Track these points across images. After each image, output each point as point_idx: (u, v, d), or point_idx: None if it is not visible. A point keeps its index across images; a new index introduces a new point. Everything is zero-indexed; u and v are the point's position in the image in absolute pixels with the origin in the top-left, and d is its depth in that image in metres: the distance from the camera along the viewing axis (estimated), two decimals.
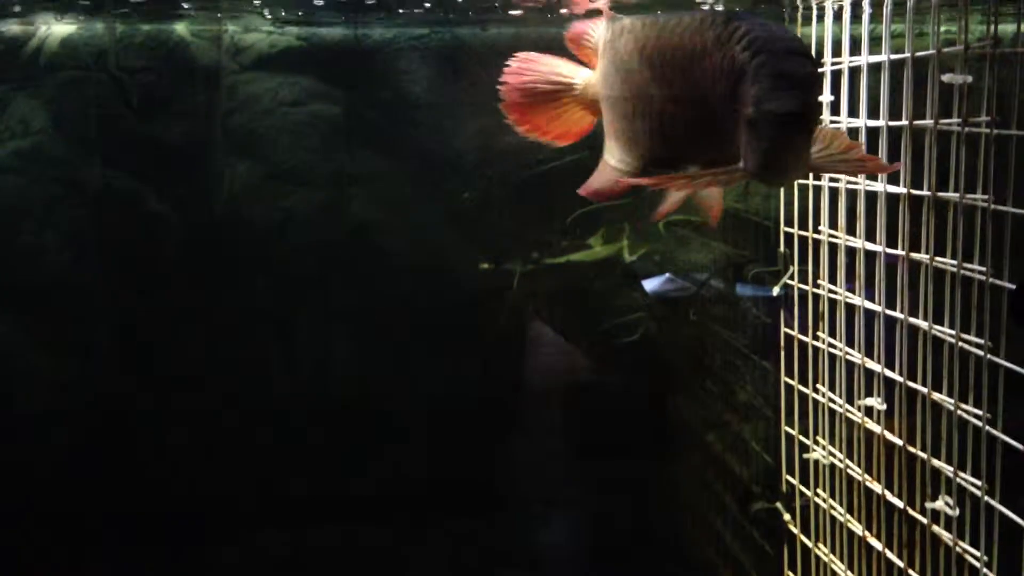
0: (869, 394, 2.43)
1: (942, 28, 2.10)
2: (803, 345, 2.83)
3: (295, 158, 3.76)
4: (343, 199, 3.78)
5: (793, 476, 2.98)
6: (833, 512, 2.69)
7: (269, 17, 3.53)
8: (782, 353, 3.02)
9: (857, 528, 2.52)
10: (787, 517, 3.06)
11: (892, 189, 2.27)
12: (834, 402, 2.65)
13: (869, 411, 2.43)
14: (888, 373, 2.32)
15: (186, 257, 3.73)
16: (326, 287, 3.80)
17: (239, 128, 3.76)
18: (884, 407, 2.35)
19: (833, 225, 2.59)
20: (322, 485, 3.81)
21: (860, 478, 2.49)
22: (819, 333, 2.72)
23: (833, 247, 2.61)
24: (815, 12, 2.65)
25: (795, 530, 2.97)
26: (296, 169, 3.77)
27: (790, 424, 3.00)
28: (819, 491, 2.79)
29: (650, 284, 3.83)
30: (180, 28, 3.67)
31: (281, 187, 3.77)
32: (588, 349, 3.92)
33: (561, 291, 3.87)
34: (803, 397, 2.86)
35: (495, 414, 3.90)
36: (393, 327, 3.83)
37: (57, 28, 3.63)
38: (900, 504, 2.30)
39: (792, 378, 2.93)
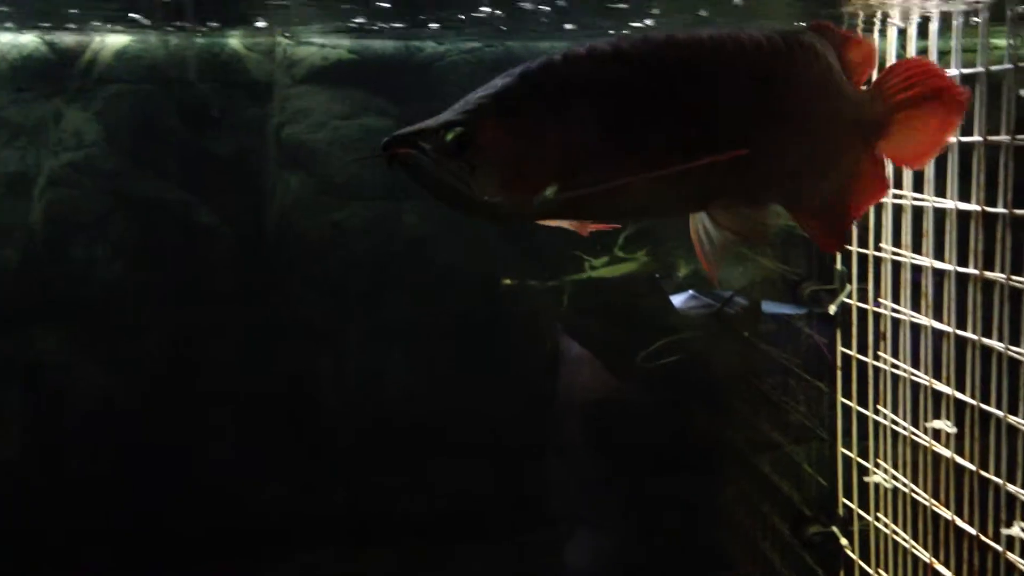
0: (936, 416, 2.37)
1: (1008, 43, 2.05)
2: (861, 365, 2.78)
3: (347, 171, 3.76)
4: (396, 212, 3.78)
5: (851, 499, 2.92)
6: (896, 537, 2.62)
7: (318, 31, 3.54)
8: (839, 373, 2.97)
9: (924, 555, 2.45)
10: (844, 542, 3.00)
11: (963, 206, 2.21)
12: (897, 424, 2.58)
13: (937, 434, 2.37)
14: (959, 395, 2.26)
15: (236, 270, 3.74)
16: (377, 301, 3.79)
17: (291, 141, 3.77)
18: (954, 430, 2.29)
19: (897, 242, 2.54)
20: (369, 500, 3.79)
21: (927, 503, 2.43)
22: (880, 353, 2.67)
23: (896, 265, 2.56)
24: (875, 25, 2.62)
25: (853, 555, 2.90)
26: (348, 182, 3.77)
27: (847, 446, 2.95)
28: (879, 515, 2.73)
29: (675, 300, 3.80)
30: (233, 41, 3.69)
31: (332, 200, 3.77)
32: (632, 367, 3.88)
33: (605, 307, 3.83)
34: (861, 418, 2.80)
35: (537, 432, 3.87)
36: (445, 342, 3.82)
37: (111, 40, 3.66)
38: (972, 531, 2.23)
39: (850, 399, 2.88)
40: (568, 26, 3.39)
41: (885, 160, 1.76)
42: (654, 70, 1.58)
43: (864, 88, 1.75)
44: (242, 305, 3.73)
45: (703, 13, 3.13)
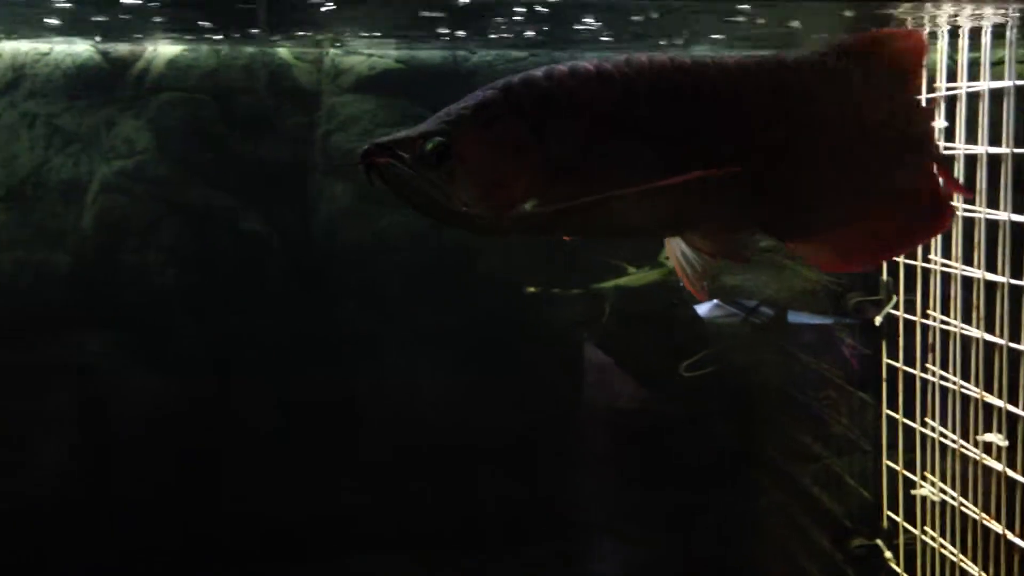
0: (987, 429, 2.35)
1: None
2: (906, 377, 2.76)
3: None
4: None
5: (896, 512, 2.90)
6: (943, 551, 2.60)
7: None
8: (884, 385, 2.96)
9: (972, 569, 2.43)
10: (888, 555, 2.98)
11: (1017, 218, 2.20)
12: (945, 436, 2.57)
13: (988, 447, 2.35)
14: (1012, 408, 2.24)
15: (283, 277, 3.76)
16: (420, 309, 3.80)
17: (337, 149, 3.79)
18: (1006, 443, 2.27)
19: (947, 254, 2.53)
20: (408, 508, 3.80)
21: (976, 516, 2.41)
22: (928, 365, 2.65)
23: (946, 276, 2.55)
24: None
25: (898, 568, 2.88)
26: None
27: (892, 459, 2.93)
28: (926, 528, 2.71)
29: (700, 310, 3.78)
30: (282, 51, 3.72)
31: (378, 208, 3.78)
32: (671, 378, 3.86)
33: (643, 317, 3.82)
34: (907, 431, 2.78)
35: (570, 441, 3.87)
36: (486, 350, 3.82)
37: (164, 49, 3.70)
38: (1023, 544, 2.22)
39: (896, 411, 2.86)
40: (604, 38, 3.39)
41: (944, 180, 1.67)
42: (635, 92, 1.57)
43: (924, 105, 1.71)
44: (287, 312, 3.75)
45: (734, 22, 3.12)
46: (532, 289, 3.80)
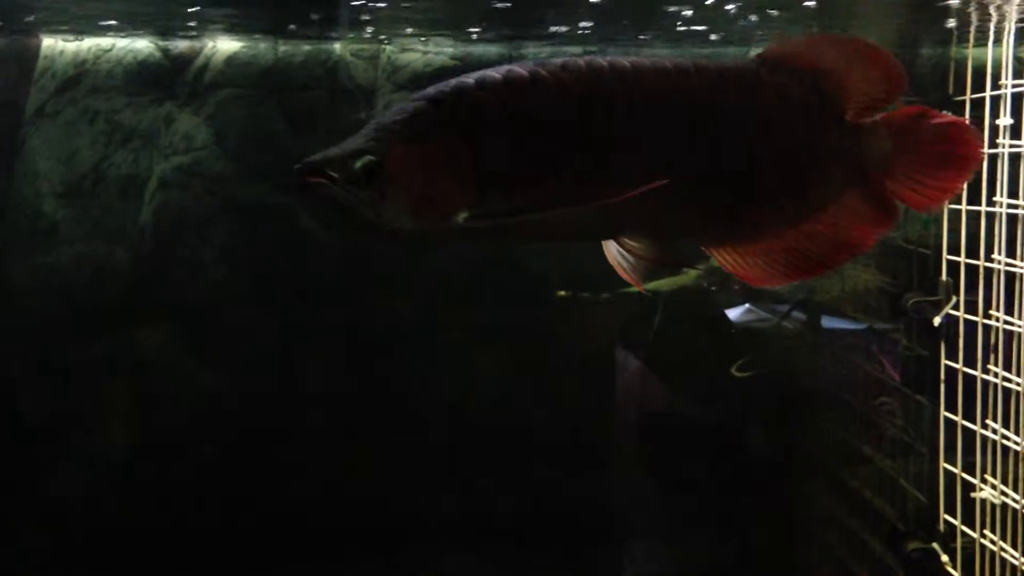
0: None
1: None
2: (965, 379, 2.72)
3: None
4: None
5: (953, 516, 2.87)
6: (1004, 555, 2.57)
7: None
8: (942, 387, 2.92)
9: None
10: (945, 559, 2.94)
11: None
12: (1007, 439, 2.53)
13: None
14: None
15: (335, 274, 3.78)
16: (470, 307, 3.80)
17: None
18: None
19: (1011, 253, 2.49)
20: (456, 503, 3.81)
21: None
22: (990, 366, 2.62)
23: (1010, 276, 2.51)
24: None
25: (955, 572, 2.85)
26: None
27: (950, 461, 2.89)
28: (985, 532, 2.67)
29: (731, 314, 3.75)
30: (339, 47, 3.74)
31: None
32: (718, 381, 3.84)
33: (693, 319, 3.80)
34: (965, 433, 2.75)
35: (613, 444, 3.86)
36: (533, 350, 3.82)
37: (223, 46, 3.73)
38: None
39: (955, 413, 2.82)
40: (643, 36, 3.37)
41: (888, 195, 1.64)
42: (569, 98, 1.54)
43: (868, 120, 1.64)
44: (339, 308, 3.77)
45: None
46: (563, 293, 3.78)
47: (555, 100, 1.53)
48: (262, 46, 3.71)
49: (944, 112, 1.67)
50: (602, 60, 1.57)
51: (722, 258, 1.65)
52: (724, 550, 3.80)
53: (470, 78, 1.53)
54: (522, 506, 3.81)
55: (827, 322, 3.65)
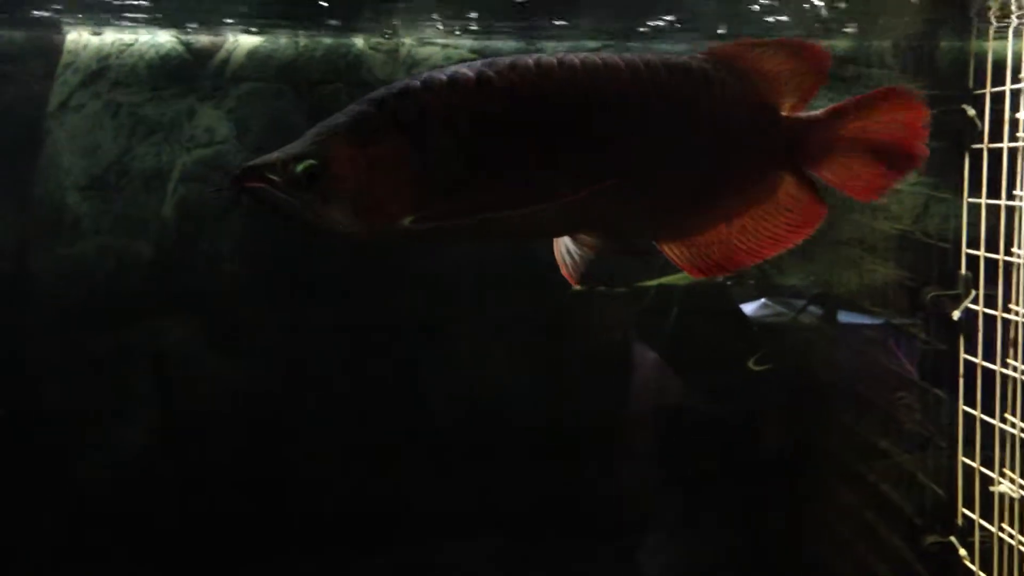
0: None
1: None
2: (984, 373, 2.72)
3: None
4: None
5: (971, 510, 2.87)
6: (1022, 548, 2.57)
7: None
8: (961, 381, 2.92)
9: None
10: (963, 553, 2.94)
11: None
12: None
13: None
14: None
15: (353, 267, 3.79)
16: (488, 302, 3.81)
17: None
18: None
19: None
20: (472, 496, 3.82)
21: None
22: (1009, 360, 2.61)
23: None
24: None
25: (973, 566, 2.85)
26: None
27: (969, 455, 2.89)
28: (1003, 525, 2.67)
29: (746, 308, 3.74)
30: (359, 41, 3.75)
31: None
32: (734, 375, 3.83)
33: (710, 313, 3.80)
34: (985, 427, 2.75)
35: (629, 436, 3.86)
36: (551, 344, 3.82)
37: (244, 40, 3.75)
38: None
39: (973, 407, 2.82)
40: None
41: (814, 187, 1.66)
42: (517, 98, 1.54)
43: (804, 114, 1.66)
44: (357, 301, 3.78)
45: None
46: (578, 287, 3.78)
47: (502, 100, 1.52)
48: (283, 40, 3.72)
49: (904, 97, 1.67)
50: (552, 58, 1.57)
51: (668, 250, 1.66)
52: (740, 544, 3.80)
53: (416, 79, 1.53)
54: (540, 499, 3.82)
55: (844, 316, 3.65)
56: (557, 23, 3.32)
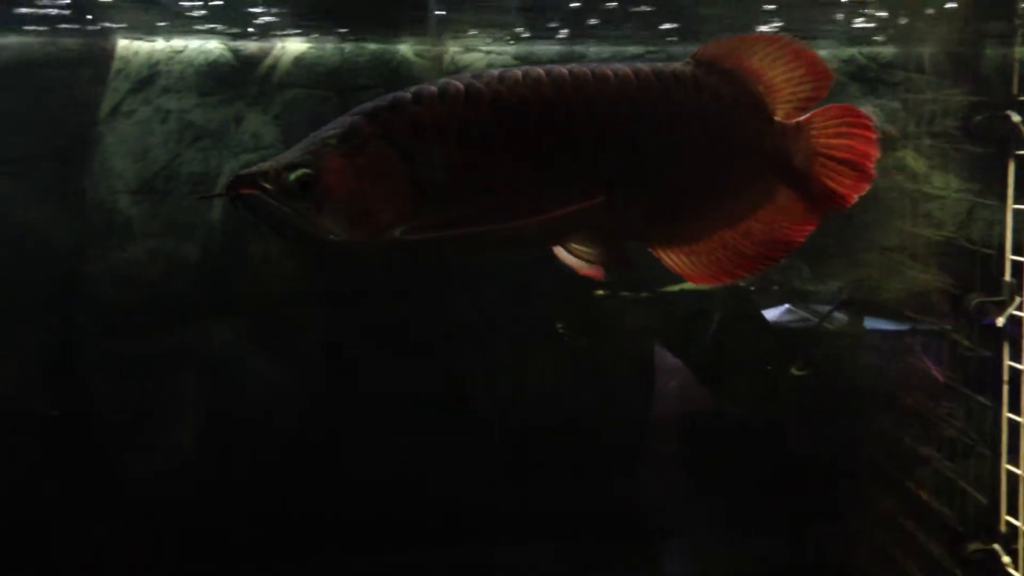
0: None
1: None
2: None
3: None
4: None
5: (1015, 517, 2.85)
6: None
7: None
8: (1005, 388, 2.91)
9: None
10: (1006, 560, 2.93)
11: None
12: None
13: None
14: None
15: (399, 270, 3.80)
16: (532, 302, 3.82)
17: None
18: None
19: None
20: (514, 498, 3.83)
21: None
22: None
23: None
24: None
25: (1016, 574, 2.84)
26: None
27: (1013, 462, 2.88)
28: None
29: (770, 315, 3.72)
30: (404, 48, 3.78)
31: None
32: (770, 380, 3.82)
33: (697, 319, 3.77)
34: None
35: (664, 442, 3.85)
36: (592, 348, 3.83)
37: (291, 47, 3.79)
38: None
39: (1017, 414, 2.81)
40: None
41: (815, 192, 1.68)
42: (505, 110, 1.55)
43: (795, 120, 1.68)
44: (402, 304, 3.80)
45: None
46: (601, 292, 3.78)
47: (490, 113, 1.54)
48: (328, 47, 3.76)
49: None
50: (540, 70, 1.58)
51: (666, 258, 1.67)
52: (779, 552, 3.79)
53: (407, 92, 1.55)
54: (579, 502, 3.82)
55: (875, 323, 3.64)
56: (599, 27, 3.33)
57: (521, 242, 1.67)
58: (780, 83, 1.65)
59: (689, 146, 1.62)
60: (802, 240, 1.66)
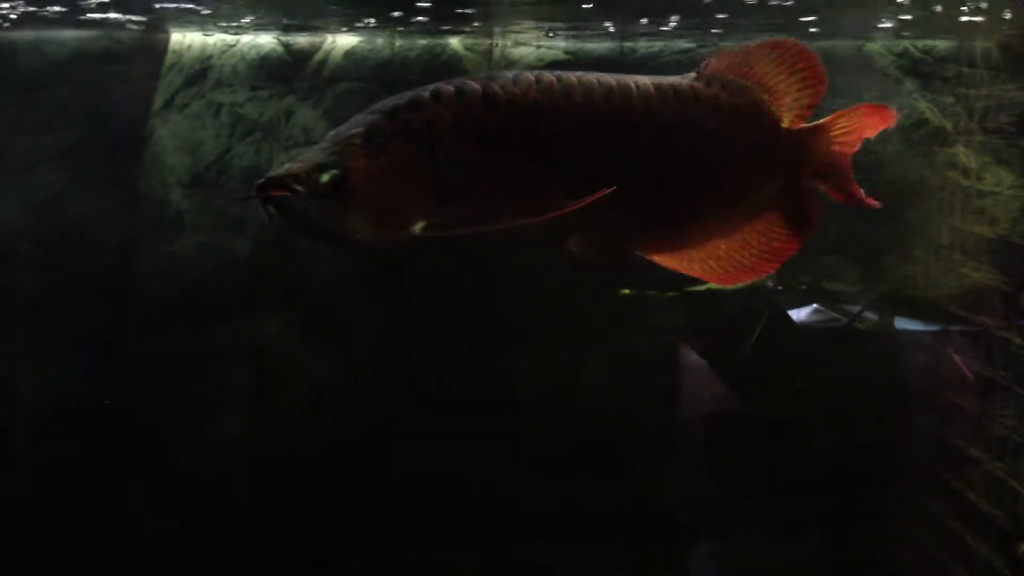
0: None
1: None
2: None
3: None
4: None
5: None
6: None
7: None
8: None
9: None
10: None
11: None
12: None
13: None
14: None
15: (445, 267, 3.80)
16: (574, 300, 3.81)
17: None
18: None
19: None
20: (553, 496, 3.83)
21: None
22: None
23: None
24: None
25: None
26: None
27: None
28: None
29: (797, 315, 3.69)
30: (454, 42, 3.79)
31: None
32: (815, 381, 3.79)
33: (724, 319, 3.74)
34: None
35: (690, 442, 3.85)
36: (640, 346, 3.82)
37: (342, 41, 3.80)
38: None
39: None
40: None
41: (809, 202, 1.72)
42: (519, 112, 1.59)
43: (803, 125, 1.71)
44: (448, 301, 3.80)
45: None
46: (627, 292, 3.77)
47: (506, 113, 1.57)
48: (379, 41, 3.77)
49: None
50: (550, 75, 1.62)
51: (663, 261, 1.70)
52: (824, 553, 3.76)
53: (425, 91, 1.58)
54: (619, 500, 3.82)
55: (923, 321, 3.61)
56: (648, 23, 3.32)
57: (525, 241, 1.72)
58: (785, 90, 1.69)
59: (686, 156, 1.65)
60: (795, 250, 1.70)
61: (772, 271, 1.71)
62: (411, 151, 1.53)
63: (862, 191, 1.72)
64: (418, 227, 1.54)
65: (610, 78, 1.64)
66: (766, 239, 1.69)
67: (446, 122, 1.55)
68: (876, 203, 1.70)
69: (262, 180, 1.56)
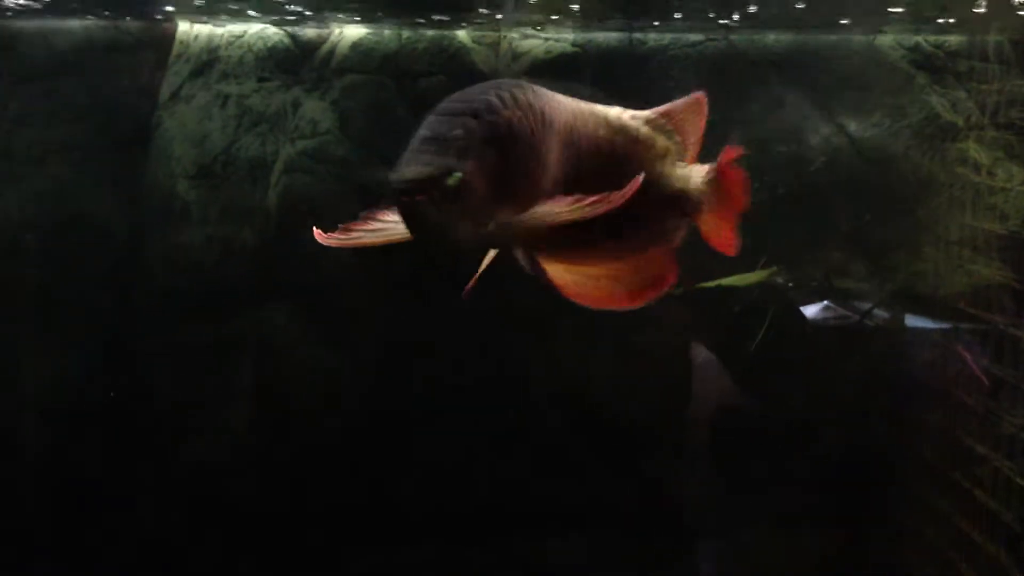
0: None
1: None
2: None
3: None
4: None
5: None
6: None
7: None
8: None
9: None
10: None
11: None
12: None
13: None
14: None
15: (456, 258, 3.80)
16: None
17: None
18: None
19: None
20: (569, 490, 3.83)
21: None
22: None
23: None
24: None
25: None
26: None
27: None
28: None
29: (808, 311, 3.67)
30: (461, 35, 3.78)
31: None
32: (817, 379, 3.77)
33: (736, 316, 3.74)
34: None
35: (729, 437, 3.84)
36: (655, 339, 3.81)
37: (348, 32, 3.80)
38: None
39: None
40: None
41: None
42: (538, 119, 1.67)
43: (691, 165, 1.85)
44: (456, 294, 3.79)
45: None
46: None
47: (535, 121, 1.66)
48: (386, 32, 3.76)
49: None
50: (530, 87, 1.70)
51: (556, 274, 1.75)
52: (833, 550, 3.75)
53: (490, 96, 1.64)
54: (636, 496, 3.81)
55: (932, 320, 3.60)
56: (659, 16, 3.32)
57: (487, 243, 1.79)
58: (693, 133, 1.85)
59: (612, 179, 1.67)
60: (666, 287, 1.77)
61: (642, 304, 1.76)
62: (500, 152, 1.59)
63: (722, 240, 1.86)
64: (491, 225, 1.60)
65: (584, 106, 1.78)
66: (656, 269, 1.79)
67: (519, 123, 1.62)
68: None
69: (404, 183, 1.57)
